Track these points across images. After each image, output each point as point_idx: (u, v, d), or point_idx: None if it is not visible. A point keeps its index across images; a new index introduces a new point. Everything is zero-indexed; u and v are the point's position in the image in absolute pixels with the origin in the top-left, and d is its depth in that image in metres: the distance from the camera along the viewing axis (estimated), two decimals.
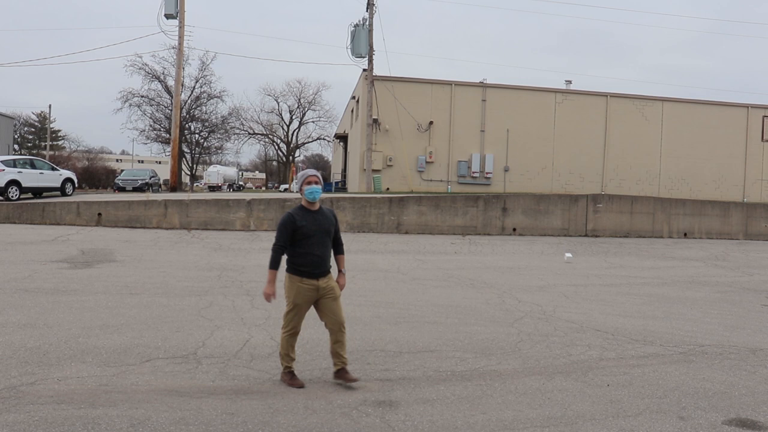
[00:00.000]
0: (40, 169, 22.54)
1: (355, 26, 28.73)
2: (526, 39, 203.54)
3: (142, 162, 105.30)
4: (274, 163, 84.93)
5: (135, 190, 31.22)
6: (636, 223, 23.46)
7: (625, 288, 12.10)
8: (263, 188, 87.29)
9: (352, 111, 36.53)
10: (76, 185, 25.47)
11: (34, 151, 77.31)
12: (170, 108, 45.60)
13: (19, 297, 8.83)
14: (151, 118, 53.59)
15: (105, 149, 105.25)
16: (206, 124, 57.90)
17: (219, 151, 66.68)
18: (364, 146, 29.01)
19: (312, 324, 6.57)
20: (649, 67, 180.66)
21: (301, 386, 5.34)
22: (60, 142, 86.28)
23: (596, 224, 22.96)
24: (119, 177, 35.45)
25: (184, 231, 18.79)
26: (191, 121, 55.54)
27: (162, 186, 38.11)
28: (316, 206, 5.44)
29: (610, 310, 9.53)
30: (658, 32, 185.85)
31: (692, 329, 8.35)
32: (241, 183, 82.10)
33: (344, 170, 40.91)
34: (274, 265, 5.33)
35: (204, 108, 55.97)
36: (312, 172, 5.48)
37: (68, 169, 29.36)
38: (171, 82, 46.32)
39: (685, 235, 24.00)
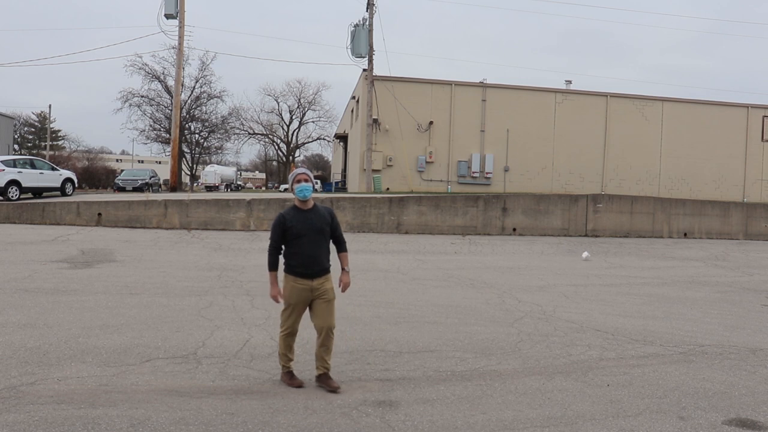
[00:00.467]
0: (40, 169, 22.54)
1: (355, 26, 28.74)
2: (526, 39, 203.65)
3: (142, 162, 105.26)
4: (274, 163, 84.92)
5: (135, 190, 31.21)
6: (636, 223, 23.46)
7: (625, 288, 12.10)
8: (263, 188, 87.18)
9: (352, 111, 36.54)
10: (76, 185, 25.46)
11: (34, 151, 77.30)
12: (170, 108, 45.60)
13: (19, 297, 8.83)
14: (151, 118, 53.66)
15: (105, 149, 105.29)
16: (206, 124, 57.96)
17: (219, 151, 66.61)
18: (364, 146, 29.01)
19: (312, 324, 6.56)
20: (649, 67, 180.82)
21: (300, 386, 5.34)
22: (60, 142, 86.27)
23: (596, 224, 22.96)
24: (119, 177, 35.45)
25: (184, 231, 18.79)
26: (191, 121, 55.58)
27: (162, 186, 38.10)
28: (309, 204, 5.38)
29: (610, 310, 9.53)
30: (658, 32, 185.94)
31: (692, 329, 8.35)
32: (239, 183, 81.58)
33: (344, 170, 40.93)
34: (272, 266, 5.37)
35: (204, 108, 56.06)
36: (301, 170, 5.44)
37: (68, 169, 29.36)
38: (171, 82, 46.34)
39: (685, 235, 24.00)
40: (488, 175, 30.12)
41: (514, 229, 22.05)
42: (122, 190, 31.56)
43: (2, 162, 20.79)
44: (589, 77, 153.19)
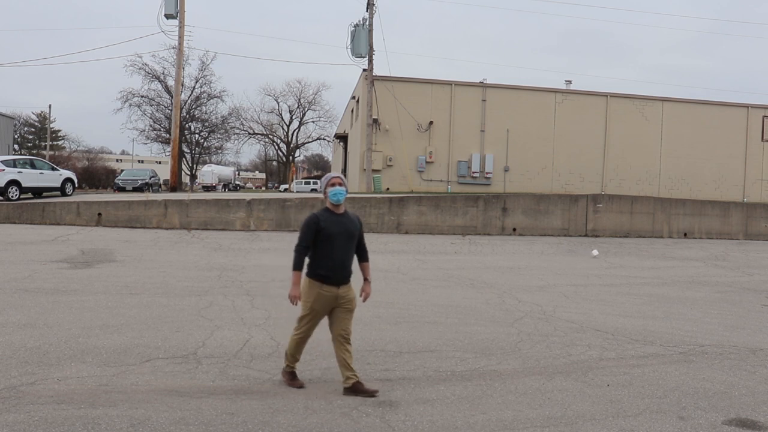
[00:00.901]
0: (40, 169, 22.53)
1: (355, 26, 28.73)
2: (526, 39, 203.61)
3: (142, 162, 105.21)
4: (274, 163, 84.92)
5: (135, 190, 31.19)
6: (636, 223, 23.46)
7: (625, 288, 12.10)
8: (263, 188, 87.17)
9: (352, 111, 36.54)
10: (76, 185, 25.45)
11: (34, 151, 77.28)
12: (170, 108, 45.60)
13: (19, 297, 8.83)
14: (151, 118, 53.72)
15: (105, 149, 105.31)
16: (206, 124, 58.01)
17: (219, 151, 66.59)
18: (364, 146, 29.01)
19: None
20: (649, 67, 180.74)
21: (300, 386, 5.34)
22: (60, 142, 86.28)
23: (596, 224, 22.95)
24: (119, 177, 35.44)
25: (184, 231, 18.79)
26: (191, 121, 55.62)
27: (162, 186, 38.10)
28: (341, 209, 5.32)
29: (610, 310, 9.53)
30: (658, 32, 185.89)
31: (692, 329, 8.35)
32: (238, 183, 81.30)
33: (344, 170, 40.91)
34: (298, 266, 5.19)
35: (204, 108, 56.12)
36: (336, 174, 5.41)
37: (68, 169, 29.33)
38: (171, 82, 46.35)
39: (685, 235, 23.99)
40: (488, 175, 30.11)
41: (514, 229, 22.05)
42: (122, 190, 31.55)
43: (2, 162, 20.78)
44: (589, 77, 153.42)
